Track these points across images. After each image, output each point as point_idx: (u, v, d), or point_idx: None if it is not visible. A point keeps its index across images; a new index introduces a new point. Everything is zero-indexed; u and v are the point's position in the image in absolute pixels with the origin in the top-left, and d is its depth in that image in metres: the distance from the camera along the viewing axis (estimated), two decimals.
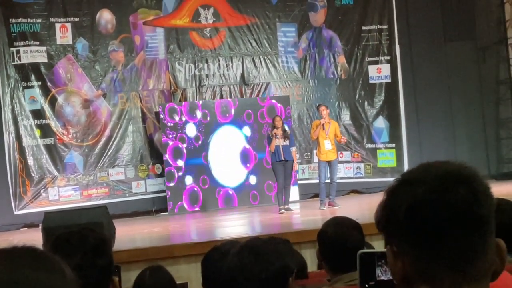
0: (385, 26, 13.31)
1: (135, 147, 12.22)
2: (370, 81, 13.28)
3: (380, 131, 13.22)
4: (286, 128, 11.10)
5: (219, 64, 12.76)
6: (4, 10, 11.55)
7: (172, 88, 12.51)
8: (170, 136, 11.90)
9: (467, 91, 13.46)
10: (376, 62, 13.31)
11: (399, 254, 1.21)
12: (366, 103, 13.25)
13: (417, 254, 1.18)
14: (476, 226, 1.17)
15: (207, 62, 12.70)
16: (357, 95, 13.27)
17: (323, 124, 10.65)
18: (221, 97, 12.69)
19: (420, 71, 13.28)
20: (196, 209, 11.89)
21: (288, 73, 13.12)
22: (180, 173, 11.90)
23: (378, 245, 4.01)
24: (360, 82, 13.28)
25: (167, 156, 11.90)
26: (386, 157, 13.16)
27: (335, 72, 13.24)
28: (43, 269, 0.97)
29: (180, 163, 11.95)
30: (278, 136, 10.51)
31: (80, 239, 2.29)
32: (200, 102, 12.37)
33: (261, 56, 12.96)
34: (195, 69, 12.60)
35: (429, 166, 1.23)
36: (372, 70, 13.29)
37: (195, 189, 11.93)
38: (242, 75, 12.87)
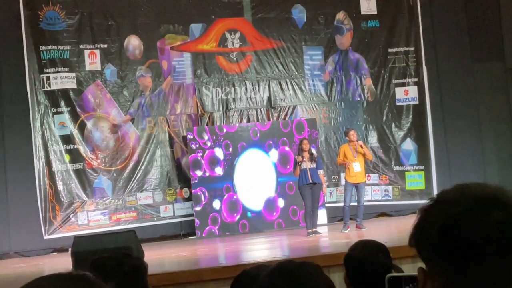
0: (412, 48, 13.29)
1: (163, 171, 12.27)
2: (397, 103, 13.24)
3: (408, 153, 13.14)
4: (313, 151, 11.10)
5: (246, 88, 12.79)
6: (35, 38, 11.67)
7: (199, 112, 12.57)
8: (199, 154, 11.95)
9: (496, 111, 13.35)
10: (403, 84, 13.27)
11: (429, 274, 1.20)
12: (393, 125, 13.20)
13: (448, 275, 1.17)
14: (509, 250, 1.15)
15: (234, 86, 12.74)
16: (384, 118, 13.23)
17: (360, 146, 10.83)
18: (248, 120, 12.73)
19: (448, 92, 13.20)
20: (217, 233, 11.86)
21: (315, 96, 13.11)
22: (207, 196, 11.92)
23: (407, 268, 3.97)
24: (387, 104, 13.24)
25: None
26: (415, 180, 13.06)
27: (361, 94, 13.22)
28: None
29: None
30: (305, 160, 10.51)
31: (116, 267, 2.28)
32: (227, 125, 12.43)
33: (287, 80, 12.98)
34: (222, 93, 12.65)
35: (465, 187, 1.23)
36: (399, 92, 13.25)
37: (216, 215, 11.91)
38: (269, 99, 12.90)
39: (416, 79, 13.25)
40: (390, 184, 13.04)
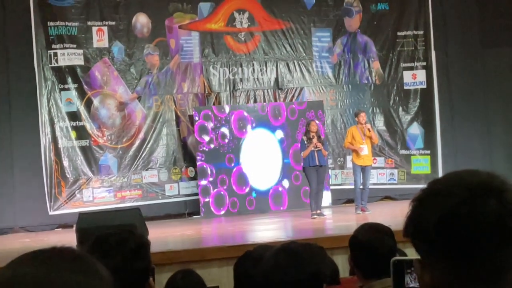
0: (421, 32, 13.21)
1: (168, 150, 12.26)
2: (405, 87, 13.19)
3: (414, 137, 13.11)
4: (320, 133, 11.11)
5: (253, 69, 12.74)
6: (43, 13, 11.61)
7: (206, 92, 12.53)
8: (206, 138, 11.94)
9: (504, 98, 13.27)
10: (411, 68, 13.22)
11: (426, 265, 1.19)
12: (400, 109, 13.16)
13: (446, 266, 1.16)
14: (507, 239, 1.14)
15: (241, 66, 12.70)
16: (392, 101, 13.19)
17: (367, 129, 10.77)
18: (255, 101, 12.71)
19: (456, 77, 13.14)
20: (222, 212, 11.87)
21: (322, 78, 13.08)
22: (212, 178, 11.92)
23: (411, 252, 3.98)
24: (395, 88, 13.20)
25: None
26: (420, 164, 13.05)
27: (369, 77, 13.18)
28: (81, 271, 0.98)
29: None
30: (315, 143, 10.50)
31: (119, 242, 2.29)
32: (234, 105, 12.41)
33: (295, 61, 12.93)
34: (229, 73, 12.62)
35: (458, 176, 1.21)
36: (407, 76, 13.20)
37: (222, 192, 11.92)
38: (276, 80, 12.85)
39: (424, 63, 13.19)
40: (396, 167, 13.04)
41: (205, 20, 12.60)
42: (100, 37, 11.96)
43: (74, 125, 11.77)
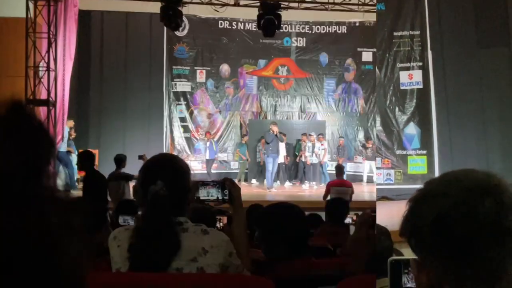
0: (417, 32, 13.23)
1: (234, 141, 20.07)
2: (401, 87, 13.20)
3: (411, 138, 13.12)
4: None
5: (287, 99, 20.66)
6: (169, 61, 19.24)
7: (259, 111, 20.41)
8: None
9: (501, 98, 13.27)
10: (408, 68, 13.23)
11: (423, 266, 1.20)
12: (397, 109, 13.18)
13: (442, 267, 1.16)
14: (503, 239, 1.14)
15: (280, 97, 20.58)
16: (388, 101, 13.21)
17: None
18: (287, 118, 20.15)
19: (453, 77, 13.13)
20: None
21: (328, 107, 20.69)
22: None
23: (408, 252, 3.98)
24: (391, 88, 13.22)
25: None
26: (417, 164, 13.05)
27: (356, 109, 20.52)
28: None
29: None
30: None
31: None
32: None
33: (313, 96, 20.75)
34: (273, 101, 20.64)
35: (454, 176, 1.21)
36: (404, 76, 13.21)
37: None
38: (301, 107, 20.74)
39: (420, 63, 13.19)
40: (392, 168, 13.04)
41: (261, 69, 20.51)
42: (200, 76, 19.65)
43: (182, 125, 19.34)
